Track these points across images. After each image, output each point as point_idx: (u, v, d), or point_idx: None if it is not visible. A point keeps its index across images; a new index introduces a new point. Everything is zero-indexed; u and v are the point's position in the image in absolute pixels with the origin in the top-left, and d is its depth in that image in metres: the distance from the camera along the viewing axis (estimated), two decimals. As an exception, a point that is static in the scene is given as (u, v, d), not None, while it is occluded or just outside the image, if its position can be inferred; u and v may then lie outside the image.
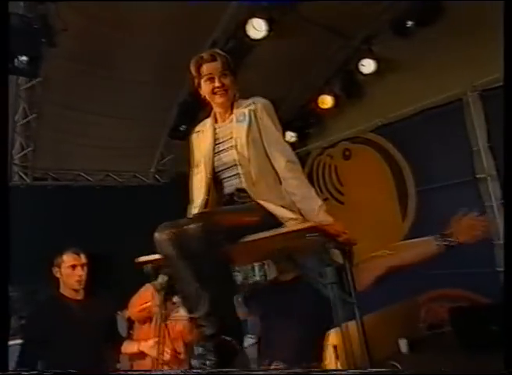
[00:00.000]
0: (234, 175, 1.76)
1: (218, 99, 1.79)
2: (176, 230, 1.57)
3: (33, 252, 3.73)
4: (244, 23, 3.72)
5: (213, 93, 1.77)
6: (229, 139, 1.78)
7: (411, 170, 4.65)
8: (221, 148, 1.80)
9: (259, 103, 1.80)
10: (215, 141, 1.81)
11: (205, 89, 1.79)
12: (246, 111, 1.79)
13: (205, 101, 1.86)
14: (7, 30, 1.45)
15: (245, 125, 1.76)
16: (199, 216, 1.66)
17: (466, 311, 2.89)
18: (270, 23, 3.73)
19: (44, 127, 4.03)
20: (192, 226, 1.54)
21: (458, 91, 4.05)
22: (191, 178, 1.91)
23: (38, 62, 3.18)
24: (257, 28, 3.72)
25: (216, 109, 1.86)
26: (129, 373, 2.50)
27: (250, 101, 1.83)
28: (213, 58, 1.79)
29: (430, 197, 4.39)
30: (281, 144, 1.78)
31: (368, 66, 4.50)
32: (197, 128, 1.94)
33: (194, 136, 1.91)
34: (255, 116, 1.78)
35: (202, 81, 1.79)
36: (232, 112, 1.82)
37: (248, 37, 3.74)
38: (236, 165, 1.74)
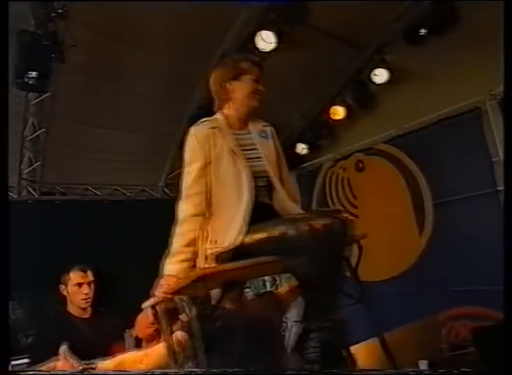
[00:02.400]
0: (263, 186, 1.74)
1: (254, 103, 1.80)
2: (311, 225, 1.49)
3: (40, 269, 3.76)
4: (253, 35, 3.78)
5: (253, 94, 1.80)
6: (253, 150, 1.78)
7: (428, 182, 4.60)
8: (247, 156, 1.76)
9: (271, 127, 1.89)
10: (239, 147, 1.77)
11: (245, 87, 1.79)
12: (267, 129, 1.86)
13: (223, 100, 1.84)
14: (7, 41, 1.49)
15: (271, 142, 1.83)
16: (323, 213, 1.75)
17: (490, 330, 2.81)
18: (279, 34, 3.78)
19: (52, 142, 4.11)
20: (333, 221, 1.54)
21: (475, 99, 4.02)
22: (200, 178, 1.72)
23: (48, 77, 3.27)
24: (266, 40, 3.77)
25: (232, 114, 1.83)
26: (130, 373, 2.48)
27: (260, 121, 1.88)
28: (259, 64, 1.88)
29: (448, 210, 4.33)
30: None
31: (380, 75, 4.51)
32: (211, 124, 1.81)
33: (211, 131, 1.76)
34: (273, 137, 1.86)
35: (244, 77, 1.80)
36: (247, 124, 1.83)
37: (257, 49, 3.79)
38: (266, 176, 1.74)
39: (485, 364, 2.57)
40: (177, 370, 1.97)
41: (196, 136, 1.76)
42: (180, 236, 1.69)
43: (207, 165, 1.71)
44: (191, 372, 1.68)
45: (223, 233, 1.64)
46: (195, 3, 3.28)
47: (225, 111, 1.84)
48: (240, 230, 1.60)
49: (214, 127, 1.78)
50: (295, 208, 1.74)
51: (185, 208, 1.71)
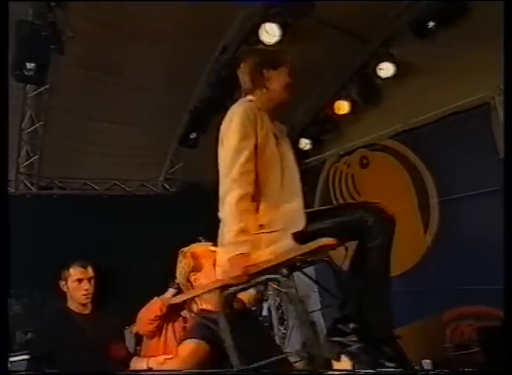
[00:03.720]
0: None
1: (286, 96, 1.83)
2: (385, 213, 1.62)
3: (38, 264, 3.78)
4: (257, 27, 3.78)
5: (286, 87, 1.82)
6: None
7: (433, 179, 4.61)
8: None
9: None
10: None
11: (281, 78, 1.82)
12: (283, 128, 1.91)
13: (257, 86, 1.82)
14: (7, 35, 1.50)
15: (287, 140, 1.87)
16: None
17: (496, 330, 2.83)
18: (283, 27, 3.78)
19: (50, 135, 4.12)
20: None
21: (484, 94, 4.01)
22: (252, 156, 1.68)
23: (46, 69, 3.27)
24: (270, 33, 3.77)
25: (265, 102, 1.82)
26: (131, 373, 2.51)
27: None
28: (291, 60, 1.92)
29: (454, 208, 4.34)
30: None
31: (386, 69, 4.50)
32: (256, 104, 1.78)
33: (258, 111, 1.75)
34: (287, 137, 1.92)
35: (281, 69, 1.83)
36: (273, 116, 1.85)
37: (261, 42, 3.79)
38: None
39: (490, 364, 2.59)
40: (178, 370, 2.01)
41: (247, 113, 1.72)
42: (239, 215, 1.60)
43: (256, 144, 1.70)
44: (192, 372, 1.71)
45: (271, 218, 1.64)
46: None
47: (258, 98, 1.82)
48: (302, 214, 1.62)
49: (259, 109, 1.77)
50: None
51: (239, 185, 1.63)
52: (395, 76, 4.52)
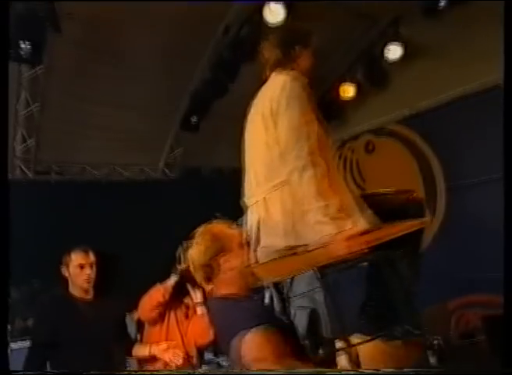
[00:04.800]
0: None
1: (310, 77, 1.82)
2: None
3: (36, 251, 3.80)
4: (261, 7, 3.73)
5: (311, 68, 1.83)
6: None
7: (441, 165, 4.61)
8: None
9: None
10: None
11: (309, 58, 1.84)
12: None
13: (287, 60, 1.80)
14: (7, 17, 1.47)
15: None
16: None
17: (501, 319, 2.86)
18: (288, 7, 3.73)
19: (47, 118, 4.10)
20: None
21: (495, 76, 3.96)
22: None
23: (42, 48, 3.23)
24: (274, 12, 3.73)
25: None
26: (132, 373, 2.55)
27: None
28: None
29: (462, 194, 4.35)
30: None
31: (394, 51, 4.46)
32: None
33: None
34: None
35: (309, 49, 1.84)
36: None
37: (265, 21, 3.75)
38: None
39: (495, 353, 2.63)
40: (180, 371, 2.05)
41: (304, 85, 1.69)
42: (324, 193, 1.57)
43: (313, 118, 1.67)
44: (193, 372, 1.75)
45: (342, 198, 1.63)
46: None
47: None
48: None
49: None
50: None
51: (315, 161, 1.59)
52: (403, 57, 4.48)
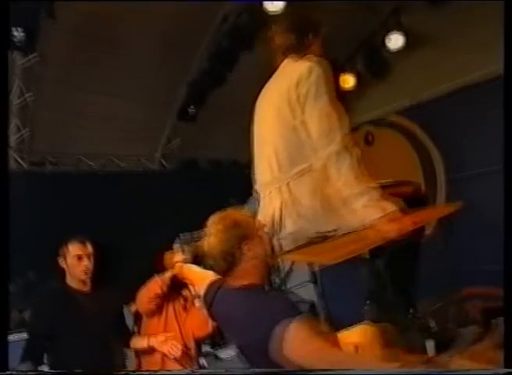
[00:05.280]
0: None
1: None
2: None
3: (31, 242, 3.80)
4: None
5: (321, 56, 1.84)
6: None
7: (441, 156, 4.61)
8: None
9: None
10: None
11: (320, 47, 1.87)
12: None
13: (304, 47, 1.85)
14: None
15: None
16: None
17: (500, 310, 2.89)
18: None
19: (41, 107, 4.07)
20: None
21: (496, 67, 3.95)
22: None
23: (36, 35, 3.20)
24: (274, 1, 3.71)
25: None
26: (130, 373, 2.57)
27: None
28: None
29: (462, 186, 4.36)
30: None
31: (395, 40, 4.44)
32: None
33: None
34: None
35: (320, 38, 1.88)
36: None
37: (263, 10, 3.73)
38: None
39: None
40: (181, 370, 2.06)
41: (330, 70, 1.73)
42: (369, 178, 1.66)
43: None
44: (193, 372, 1.76)
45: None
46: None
47: None
48: None
49: None
50: None
51: (354, 144, 1.69)
52: (404, 47, 4.47)
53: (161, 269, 2.45)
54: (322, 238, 1.68)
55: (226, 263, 1.56)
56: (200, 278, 1.89)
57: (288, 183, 1.71)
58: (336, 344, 1.43)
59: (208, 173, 5.25)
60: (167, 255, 2.45)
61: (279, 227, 1.70)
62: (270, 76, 1.92)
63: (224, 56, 4.01)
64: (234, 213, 1.68)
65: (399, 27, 4.41)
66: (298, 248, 1.70)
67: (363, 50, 4.76)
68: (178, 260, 2.36)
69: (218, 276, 1.73)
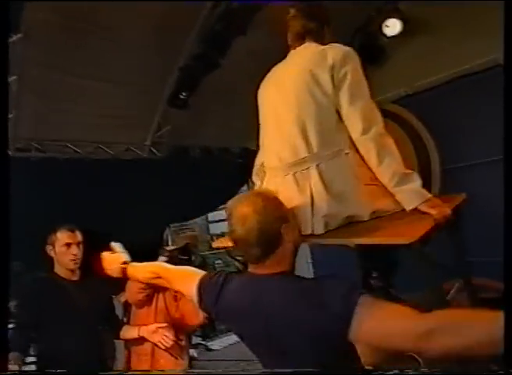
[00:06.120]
0: None
1: None
2: None
3: (16, 232, 3.76)
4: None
5: None
6: None
7: (437, 146, 4.63)
8: None
9: None
10: None
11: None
12: None
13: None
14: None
15: None
16: None
17: (495, 303, 2.93)
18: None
19: (25, 92, 3.99)
20: None
21: (497, 55, 3.95)
22: None
23: (19, 15, 3.13)
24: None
25: None
26: (129, 373, 2.59)
27: None
28: None
29: (458, 177, 4.39)
30: None
31: (393, 26, 4.42)
32: None
33: None
34: None
35: (330, 28, 1.98)
36: None
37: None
38: None
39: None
40: (178, 370, 2.05)
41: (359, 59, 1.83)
42: (399, 158, 1.76)
43: None
44: (192, 372, 1.75)
45: None
46: None
47: None
48: None
49: None
50: None
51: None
52: (402, 34, 4.45)
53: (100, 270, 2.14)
54: (353, 222, 1.73)
55: (262, 249, 1.44)
56: (181, 275, 1.80)
57: (318, 165, 1.71)
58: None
59: (199, 161, 5.23)
60: (106, 256, 2.11)
61: (311, 210, 1.68)
62: (271, 61, 2.01)
63: (217, 41, 3.96)
64: (267, 192, 1.58)
65: (396, 13, 4.39)
66: (329, 231, 1.72)
67: (358, 36, 4.73)
68: (123, 261, 2.04)
69: (203, 272, 1.70)
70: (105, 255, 2.11)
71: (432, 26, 4.35)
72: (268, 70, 2.07)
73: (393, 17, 4.39)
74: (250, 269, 1.54)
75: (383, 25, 4.46)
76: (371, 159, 1.71)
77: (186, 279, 1.73)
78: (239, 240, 1.47)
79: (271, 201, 1.50)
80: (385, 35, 4.52)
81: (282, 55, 2.07)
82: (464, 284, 1.85)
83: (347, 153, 1.74)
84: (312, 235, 1.69)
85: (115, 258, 2.06)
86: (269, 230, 1.43)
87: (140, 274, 2.00)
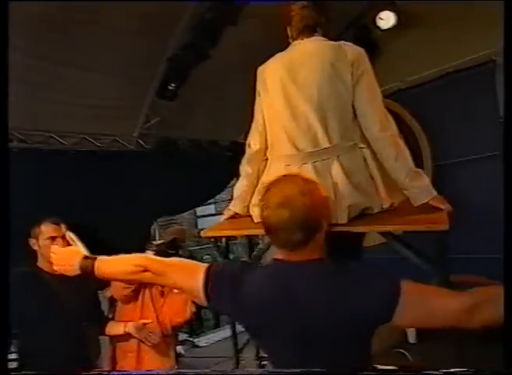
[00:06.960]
0: None
1: None
2: None
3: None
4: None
5: None
6: None
7: (428, 141, 4.67)
8: None
9: None
10: None
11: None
12: None
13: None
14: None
15: None
16: None
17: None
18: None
19: (9, 80, 3.93)
20: None
21: (490, 50, 3.98)
22: None
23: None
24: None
25: None
26: (126, 372, 2.59)
27: None
28: None
29: (449, 173, 4.44)
30: None
31: (387, 19, 4.44)
32: None
33: None
34: None
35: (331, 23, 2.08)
36: None
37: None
38: None
39: (481, 337, 2.73)
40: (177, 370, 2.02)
41: None
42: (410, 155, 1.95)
43: None
44: (190, 372, 1.72)
45: None
46: None
47: None
48: None
49: None
50: None
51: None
52: (395, 27, 4.46)
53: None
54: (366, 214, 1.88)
55: (305, 234, 1.37)
56: (178, 268, 1.56)
57: (339, 156, 1.84)
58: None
59: (187, 154, 5.20)
60: (60, 251, 1.72)
61: (334, 199, 1.76)
62: (262, 53, 2.08)
63: (207, 30, 3.93)
64: (306, 176, 1.54)
65: (391, 6, 4.40)
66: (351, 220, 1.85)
67: (352, 29, 4.73)
68: (83, 256, 1.65)
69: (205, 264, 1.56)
70: (57, 249, 1.74)
71: (425, 19, 4.37)
72: (263, 62, 2.08)
73: (387, 10, 4.40)
74: (280, 256, 1.45)
75: (377, 18, 4.47)
76: (390, 155, 1.85)
77: (187, 271, 1.55)
78: (279, 224, 1.38)
79: (314, 184, 1.46)
80: (379, 28, 4.53)
81: (272, 47, 2.07)
82: (442, 282, 1.89)
83: (361, 148, 1.88)
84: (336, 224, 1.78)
85: (72, 251, 1.68)
86: (314, 213, 1.38)
87: (118, 268, 1.64)
